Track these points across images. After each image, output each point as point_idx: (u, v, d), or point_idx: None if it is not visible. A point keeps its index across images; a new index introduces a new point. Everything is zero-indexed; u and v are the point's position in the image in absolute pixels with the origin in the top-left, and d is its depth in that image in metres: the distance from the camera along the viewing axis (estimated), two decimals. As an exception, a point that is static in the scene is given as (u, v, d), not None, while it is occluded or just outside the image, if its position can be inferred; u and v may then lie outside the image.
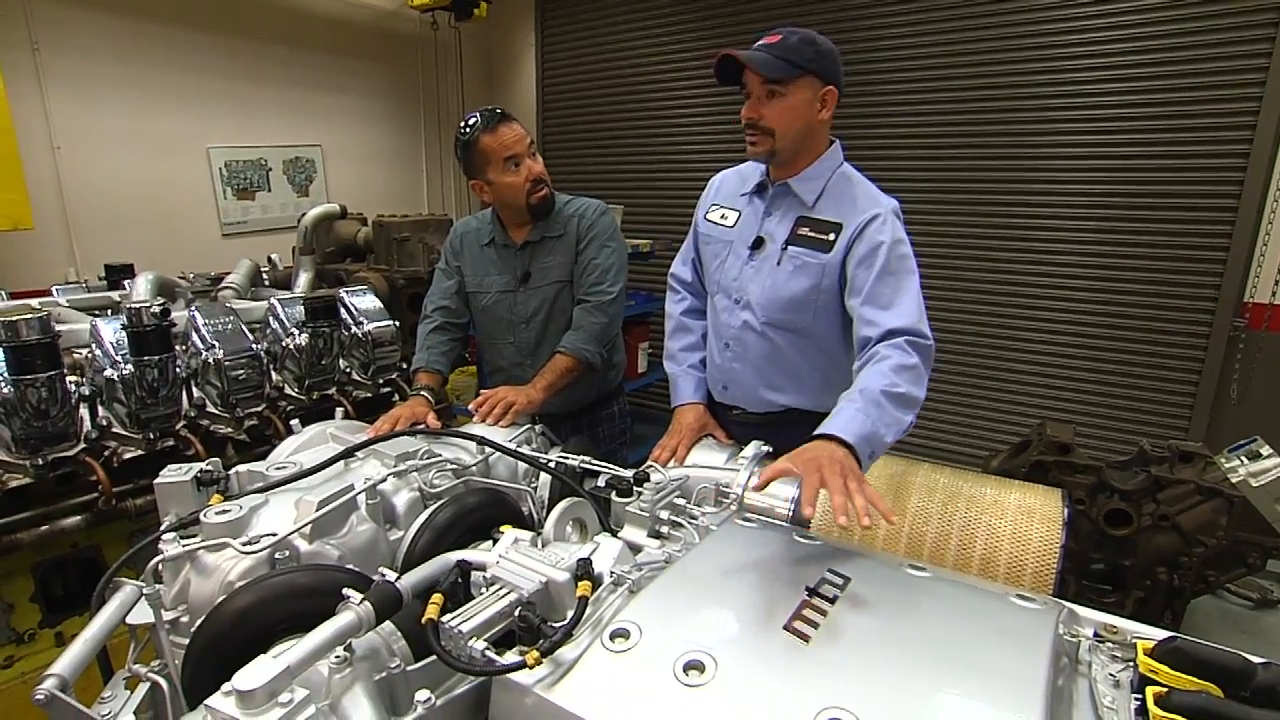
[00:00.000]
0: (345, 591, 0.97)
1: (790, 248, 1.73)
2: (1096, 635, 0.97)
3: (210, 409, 2.31)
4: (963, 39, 4.07)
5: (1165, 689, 0.77)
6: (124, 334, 2.03)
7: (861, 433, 1.34)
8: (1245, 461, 2.02)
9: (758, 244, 1.80)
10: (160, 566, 1.15)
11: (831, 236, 1.68)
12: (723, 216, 1.90)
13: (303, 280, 3.36)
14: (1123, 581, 2.07)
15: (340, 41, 5.26)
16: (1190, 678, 0.77)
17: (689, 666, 0.86)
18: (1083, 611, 1.03)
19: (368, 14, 5.42)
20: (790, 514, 1.40)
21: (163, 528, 1.24)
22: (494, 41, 6.17)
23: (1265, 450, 2.05)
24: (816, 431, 1.37)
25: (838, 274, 1.68)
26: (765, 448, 1.58)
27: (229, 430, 2.33)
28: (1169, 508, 1.98)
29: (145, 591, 1.09)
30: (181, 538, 1.20)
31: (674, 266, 2.09)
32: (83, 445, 1.99)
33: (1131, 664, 0.87)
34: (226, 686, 0.81)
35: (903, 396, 1.44)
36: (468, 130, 2.06)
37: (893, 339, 1.53)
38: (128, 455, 2.10)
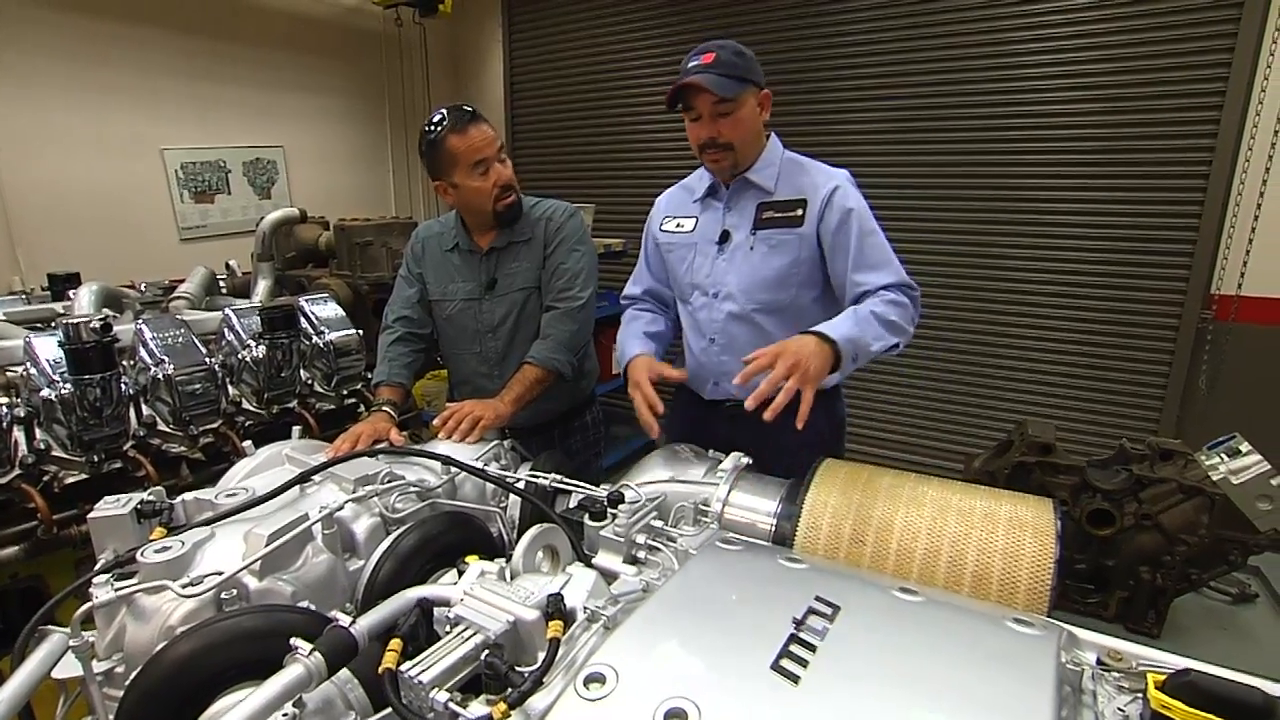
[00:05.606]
0: (293, 642, 0.89)
1: (759, 232, 1.81)
2: (1100, 662, 0.92)
3: (162, 427, 2.19)
4: (931, 40, 4.05)
5: (1181, 729, 0.72)
6: (62, 351, 1.91)
7: (848, 334, 1.49)
8: (1225, 459, 2.00)
9: (724, 238, 1.86)
10: (91, 613, 1.05)
11: (799, 212, 1.78)
12: (679, 225, 1.97)
13: (261, 288, 3.23)
14: (1106, 582, 2.04)
15: (301, 38, 5.10)
16: (1206, 715, 0.72)
17: (670, 715, 0.79)
18: (1082, 634, 0.98)
19: (329, 10, 5.26)
20: (772, 531, 1.34)
21: (95, 569, 1.13)
22: (459, 38, 6.03)
23: (1244, 447, 2.03)
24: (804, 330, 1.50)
25: (815, 244, 1.78)
26: (745, 459, 1.53)
27: (183, 449, 2.22)
28: (1151, 507, 1.95)
29: (71, 643, 0.99)
30: (116, 579, 1.10)
31: (625, 291, 2.10)
32: (18, 471, 1.87)
33: (1140, 696, 0.82)
34: (152, 760, 0.73)
35: (891, 322, 1.60)
36: (434, 129, 1.96)
37: (887, 292, 1.68)
38: (70, 479, 1.97)
